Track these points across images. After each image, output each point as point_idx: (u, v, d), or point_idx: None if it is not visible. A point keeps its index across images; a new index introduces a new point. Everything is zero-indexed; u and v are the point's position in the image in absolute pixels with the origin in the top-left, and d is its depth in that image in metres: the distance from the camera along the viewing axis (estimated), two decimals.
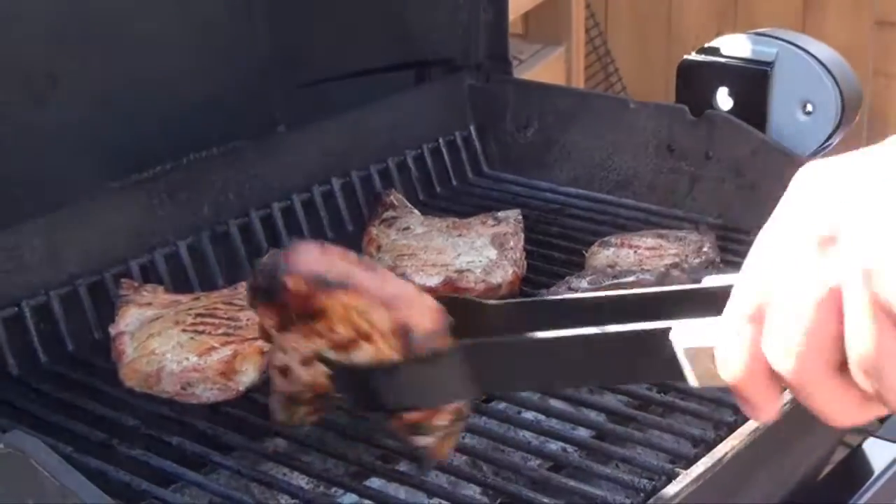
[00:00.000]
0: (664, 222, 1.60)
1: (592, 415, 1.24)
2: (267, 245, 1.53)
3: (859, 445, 1.55)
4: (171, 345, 1.23)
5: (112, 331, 1.27)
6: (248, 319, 1.26)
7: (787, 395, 1.14)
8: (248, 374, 1.22)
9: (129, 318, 1.28)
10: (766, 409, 0.70)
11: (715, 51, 1.65)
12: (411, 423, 0.97)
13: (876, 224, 0.59)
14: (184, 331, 1.25)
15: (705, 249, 1.42)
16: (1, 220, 1.31)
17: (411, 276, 1.39)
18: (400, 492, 1.14)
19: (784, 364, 0.64)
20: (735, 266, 1.47)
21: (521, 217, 1.54)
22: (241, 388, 1.22)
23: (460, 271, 1.40)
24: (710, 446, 1.10)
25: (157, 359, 1.22)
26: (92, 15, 1.39)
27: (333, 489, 1.16)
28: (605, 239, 1.48)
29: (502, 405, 1.24)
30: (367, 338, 0.93)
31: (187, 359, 1.22)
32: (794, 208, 0.65)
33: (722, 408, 1.20)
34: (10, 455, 0.94)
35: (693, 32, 3.31)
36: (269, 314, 1.00)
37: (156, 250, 1.43)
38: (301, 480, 1.17)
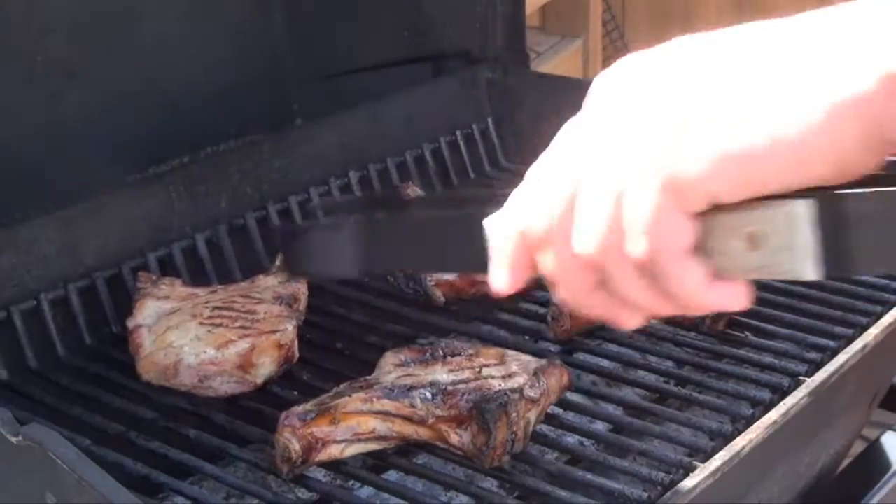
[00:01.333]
0: None
1: (610, 408, 1.24)
2: None
3: (877, 439, 1.55)
4: (189, 338, 1.23)
5: (129, 324, 1.27)
6: (265, 312, 1.26)
7: (805, 390, 1.15)
8: (265, 367, 1.22)
9: (147, 312, 1.29)
10: (574, 292, 0.71)
11: None
12: None
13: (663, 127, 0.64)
14: (201, 324, 1.25)
15: None
16: (19, 214, 1.32)
17: None
18: (417, 485, 1.14)
19: (590, 247, 0.67)
20: None
21: None
22: (259, 381, 1.22)
23: None
24: (727, 439, 1.10)
25: (174, 352, 1.22)
26: (110, 10, 1.39)
27: (350, 482, 1.16)
28: None
29: None
30: None
31: (205, 352, 1.22)
32: (601, 102, 0.68)
33: (739, 401, 1.20)
34: (28, 447, 0.94)
35: (711, 25, 3.30)
36: None
37: (173, 243, 1.44)
38: (318, 473, 1.17)
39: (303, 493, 1.15)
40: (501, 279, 0.74)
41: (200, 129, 1.52)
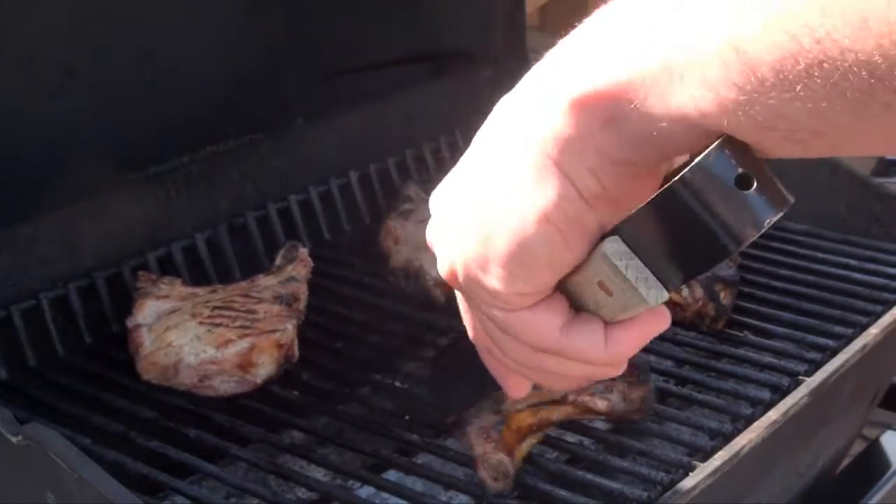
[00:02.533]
0: None
1: None
2: (284, 238, 1.53)
3: (877, 438, 1.55)
4: (189, 337, 1.23)
5: (129, 323, 1.27)
6: (265, 312, 1.26)
7: (805, 390, 1.15)
8: (265, 367, 1.22)
9: (147, 311, 1.29)
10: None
11: None
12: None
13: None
14: (201, 323, 1.25)
15: None
16: (19, 213, 1.32)
17: (429, 269, 1.39)
18: (417, 484, 1.14)
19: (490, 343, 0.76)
20: (753, 258, 1.47)
21: None
22: (259, 381, 1.22)
23: None
24: (727, 439, 1.10)
25: (174, 351, 1.22)
26: (110, 8, 1.39)
27: (350, 481, 1.16)
28: None
29: None
30: None
31: (205, 351, 1.22)
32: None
33: (739, 400, 1.20)
34: (28, 447, 0.94)
35: None
36: None
37: (173, 243, 1.44)
38: (318, 473, 1.17)
39: (303, 493, 1.15)
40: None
41: (200, 128, 1.52)
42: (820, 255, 1.50)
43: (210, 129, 1.52)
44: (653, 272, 0.65)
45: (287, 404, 1.23)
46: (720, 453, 1.07)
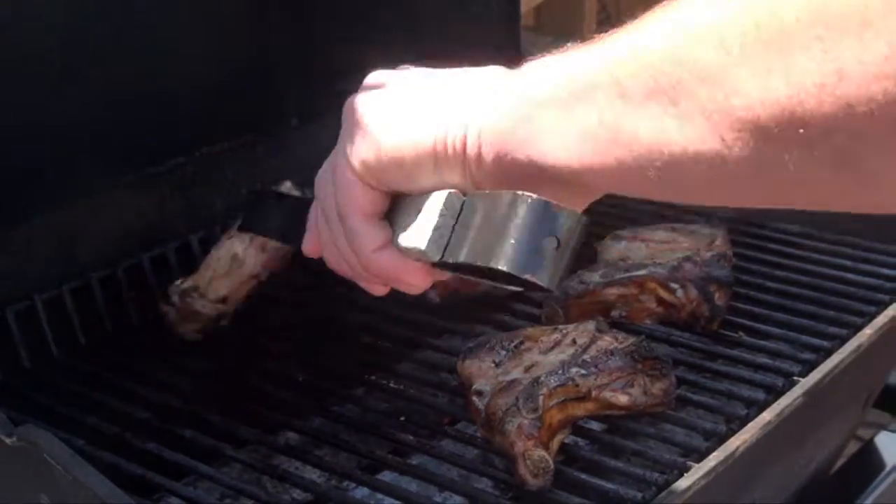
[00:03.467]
0: (676, 215, 1.60)
1: None
2: None
3: (872, 439, 1.55)
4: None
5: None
6: None
7: (799, 391, 1.15)
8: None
9: None
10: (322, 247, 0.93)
11: None
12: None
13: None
14: None
15: (717, 242, 1.41)
16: (13, 214, 1.32)
17: None
18: (412, 485, 1.14)
19: (318, 196, 0.93)
20: (748, 259, 1.47)
21: None
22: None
23: None
24: (721, 440, 1.10)
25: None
26: (105, 10, 1.39)
27: (345, 482, 1.16)
28: (617, 232, 1.48)
29: None
30: None
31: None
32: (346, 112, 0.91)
33: (734, 401, 1.20)
34: (22, 448, 0.94)
35: None
36: None
37: (168, 243, 1.44)
38: (313, 474, 1.17)
39: (298, 494, 1.15)
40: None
41: (195, 129, 1.51)
42: (814, 255, 1.50)
43: (205, 130, 1.52)
44: (449, 240, 0.78)
45: (282, 405, 1.23)
46: (715, 454, 1.07)
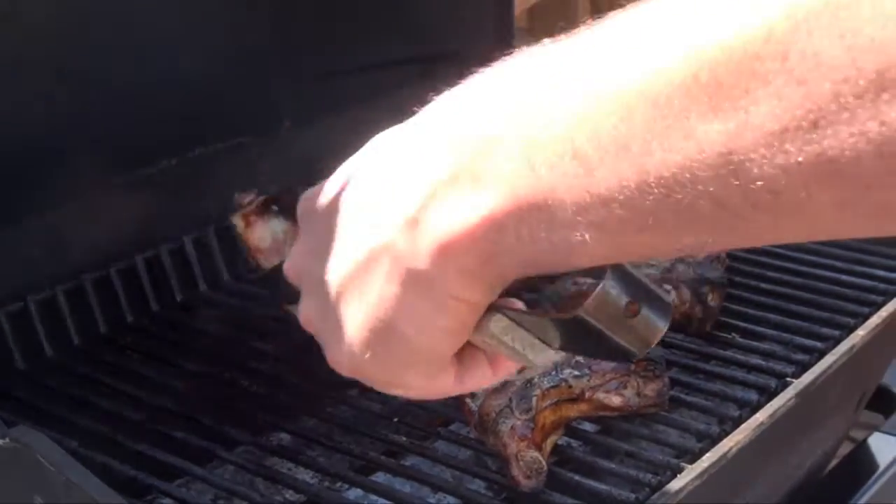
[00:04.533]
0: None
1: None
2: None
3: (865, 440, 1.55)
4: None
5: None
6: None
7: (792, 392, 1.15)
8: None
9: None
10: None
11: None
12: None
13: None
14: None
15: None
16: (6, 215, 1.31)
17: None
18: (405, 486, 1.14)
19: None
20: (741, 260, 1.47)
21: None
22: None
23: None
24: (714, 441, 1.10)
25: None
26: (98, 10, 1.38)
27: (339, 484, 1.16)
28: None
29: None
30: None
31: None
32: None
33: (727, 402, 1.20)
34: (15, 449, 0.94)
35: None
36: None
37: (161, 245, 1.43)
38: (306, 475, 1.17)
39: (291, 495, 1.15)
40: None
41: (188, 130, 1.51)
42: (807, 256, 1.50)
43: (198, 132, 1.52)
44: (538, 337, 0.65)
45: (275, 406, 1.23)
46: (708, 455, 1.07)
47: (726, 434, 1.11)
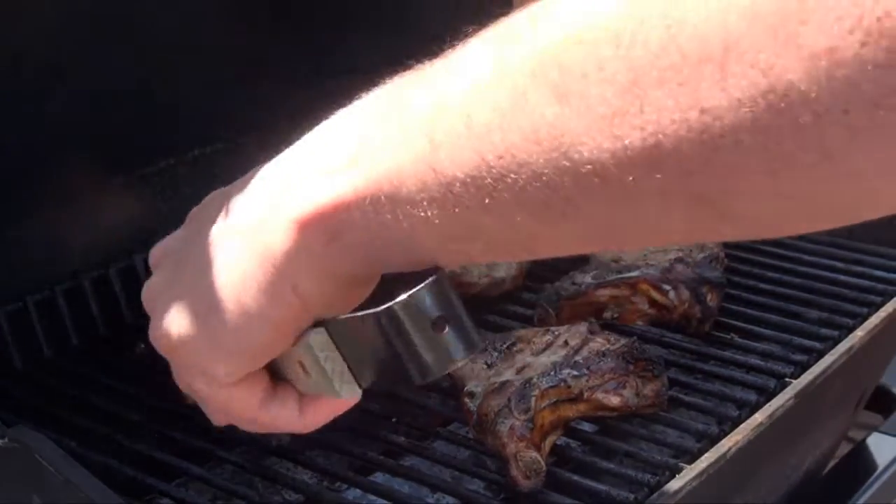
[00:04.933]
0: None
1: None
2: None
3: (864, 440, 1.55)
4: None
5: None
6: None
7: (791, 392, 1.15)
8: None
9: None
10: None
11: None
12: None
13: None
14: None
15: (709, 244, 1.41)
16: (5, 215, 1.31)
17: None
18: (404, 486, 1.14)
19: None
20: (740, 260, 1.47)
21: None
22: None
23: (464, 267, 1.40)
24: (713, 441, 1.10)
25: None
26: (96, 10, 1.38)
27: (338, 484, 1.16)
28: None
29: None
30: None
31: None
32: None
33: (726, 402, 1.20)
34: (14, 450, 0.94)
35: None
36: None
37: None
38: (305, 475, 1.17)
39: (289, 495, 1.15)
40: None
41: (187, 131, 1.51)
42: (806, 257, 1.50)
43: (196, 132, 1.52)
44: (350, 368, 0.70)
45: None
46: (706, 455, 1.07)
47: (725, 434, 1.11)
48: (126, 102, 1.43)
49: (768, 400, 1.16)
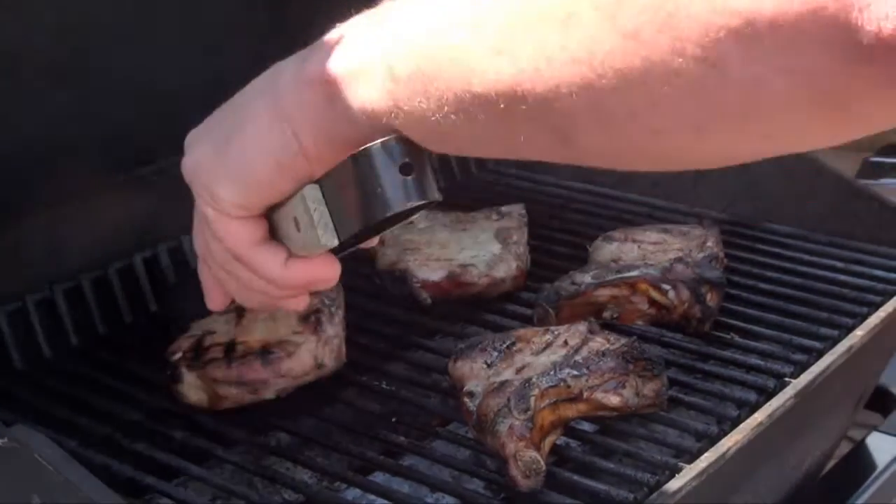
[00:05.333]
0: (668, 217, 1.60)
1: None
2: None
3: (863, 440, 1.55)
4: None
5: None
6: None
7: (791, 392, 1.15)
8: None
9: None
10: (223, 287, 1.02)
11: None
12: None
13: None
14: None
15: (709, 244, 1.42)
16: (4, 214, 1.31)
17: (415, 271, 1.39)
18: (403, 486, 1.14)
19: (199, 251, 1.02)
20: (740, 260, 1.47)
21: (524, 211, 1.54)
22: None
23: (464, 266, 1.40)
24: (713, 441, 1.10)
25: None
26: (96, 10, 1.38)
27: (337, 483, 1.16)
28: (609, 234, 1.48)
29: None
30: None
31: None
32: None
33: (725, 402, 1.20)
34: (14, 449, 0.94)
35: None
36: None
37: (160, 244, 1.43)
38: (304, 475, 1.17)
39: (289, 495, 1.15)
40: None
41: (187, 129, 1.51)
42: (805, 257, 1.51)
43: None
44: (334, 222, 0.86)
45: (273, 406, 1.23)
46: (706, 455, 1.07)
47: (725, 434, 1.11)
48: (125, 102, 1.43)
49: (768, 400, 1.16)
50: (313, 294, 1.24)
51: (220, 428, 1.18)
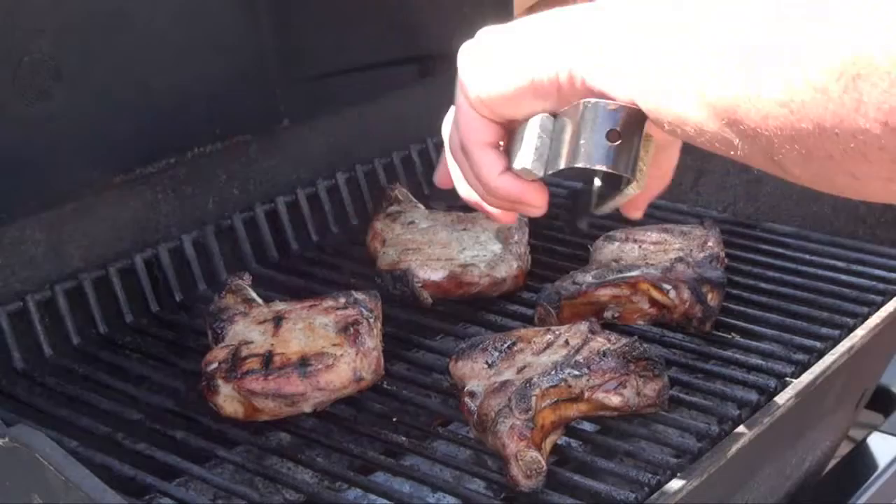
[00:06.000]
0: (669, 217, 1.60)
1: None
2: (271, 239, 1.53)
3: (864, 440, 1.55)
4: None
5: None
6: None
7: (791, 391, 1.15)
8: None
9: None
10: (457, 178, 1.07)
11: None
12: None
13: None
14: None
15: (710, 244, 1.41)
16: (5, 215, 1.31)
17: (416, 271, 1.39)
18: (404, 486, 1.14)
19: (445, 136, 1.06)
20: (740, 260, 1.47)
21: None
22: None
23: (465, 266, 1.40)
24: (714, 441, 1.10)
25: None
26: (97, 11, 1.38)
27: (338, 483, 1.16)
28: (610, 233, 1.48)
29: None
30: None
31: None
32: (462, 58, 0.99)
33: (726, 402, 1.20)
34: (15, 449, 0.94)
35: None
36: None
37: (160, 244, 1.43)
38: (305, 475, 1.17)
39: (290, 495, 1.15)
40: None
41: (187, 130, 1.51)
42: (807, 256, 1.50)
43: (197, 131, 1.52)
44: (548, 155, 0.92)
45: None
46: (707, 455, 1.07)
47: (726, 434, 1.11)
48: (126, 102, 1.43)
49: (769, 399, 1.16)
50: (351, 305, 1.24)
51: (221, 428, 1.18)
